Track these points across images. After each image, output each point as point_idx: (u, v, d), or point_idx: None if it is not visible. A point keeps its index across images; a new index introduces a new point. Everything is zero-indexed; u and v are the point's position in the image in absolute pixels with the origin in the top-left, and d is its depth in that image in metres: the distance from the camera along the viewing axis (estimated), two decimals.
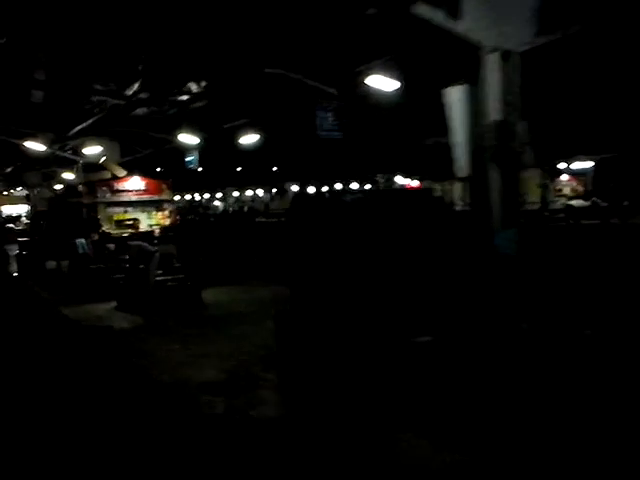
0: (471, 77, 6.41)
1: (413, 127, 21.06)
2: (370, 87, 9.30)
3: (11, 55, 11.36)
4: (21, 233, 19.89)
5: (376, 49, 9.00)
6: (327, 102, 10.76)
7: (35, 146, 14.34)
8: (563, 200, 27.11)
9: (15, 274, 16.24)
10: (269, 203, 38.90)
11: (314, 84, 10.38)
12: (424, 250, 6.72)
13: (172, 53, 10.89)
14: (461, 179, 6.92)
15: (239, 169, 35.56)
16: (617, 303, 7.37)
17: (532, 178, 25.39)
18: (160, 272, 11.95)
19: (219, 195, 41.88)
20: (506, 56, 6.32)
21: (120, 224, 14.10)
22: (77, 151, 16.09)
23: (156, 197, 14.46)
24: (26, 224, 22.59)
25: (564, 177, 29.25)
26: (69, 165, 18.19)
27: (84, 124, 14.21)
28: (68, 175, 18.02)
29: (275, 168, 35.70)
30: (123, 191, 14.15)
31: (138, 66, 11.55)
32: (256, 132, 12.90)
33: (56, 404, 6.31)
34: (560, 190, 29.69)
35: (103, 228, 13.86)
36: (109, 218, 14.04)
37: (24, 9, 10.22)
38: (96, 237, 13.65)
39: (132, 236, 13.45)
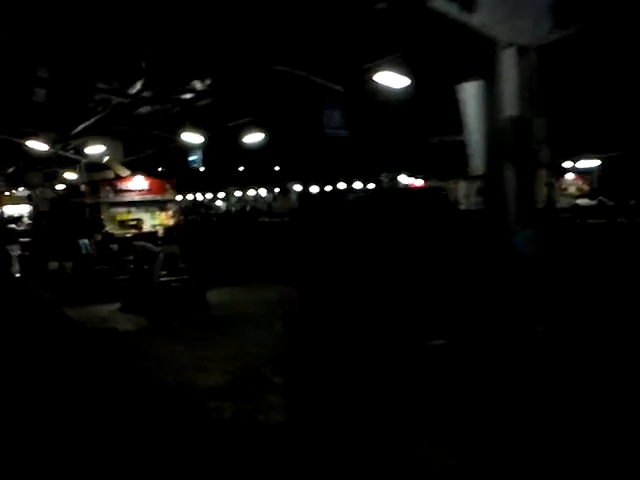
0: (486, 73, 6.25)
1: (418, 126, 20.88)
2: (377, 85, 9.13)
3: (13, 53, 11.22)
4: (23, 233, 19.79)
5: (384, 46, 8.83)
6: (334, 100, 10.58)
7: (37, 145, 14.20)
8: (568, 199, 26.89)
9: (17, 275, 16.12)
10: (272, 203, 38.74)
11: (321, 81, 10.21)
12: (437, 251, 6.56)
13: (176, 50, 10.73)
14: (472, 177, 6.77)
15: (241, 169, 35.41)
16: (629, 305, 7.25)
17: (537, 177, 25.06)
18: (164, 273, 11.82)
19: (221, 195, 41.74)
20: (522, 51, 6.16)
21: (123, 224, 13.95)
22: (79, 151, 15.94)
23: (160, 197, 14.31)
24: (28, 224, 22.46)
25: (569, 176, 29.05)
26: (71, 165, 18.07)
27: (87, 123, 14.06)
28: (70, 175, 17.89)
29: (277, 168, 35.56)
30: (126, 191, 13.99)
31: (141, 63, 11.39)
32: (260, 131, 12.72)
33: (60, 407, 6.18)
34: (565, 189, 29.48)
35: (106, 228, 13.71)
36: (112, 218, 13.89)
37: (26, 6, 10.09)
38: (99, 237, 13.50)
39: (136, 236, 13.30)
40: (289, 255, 10.48)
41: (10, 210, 25.24)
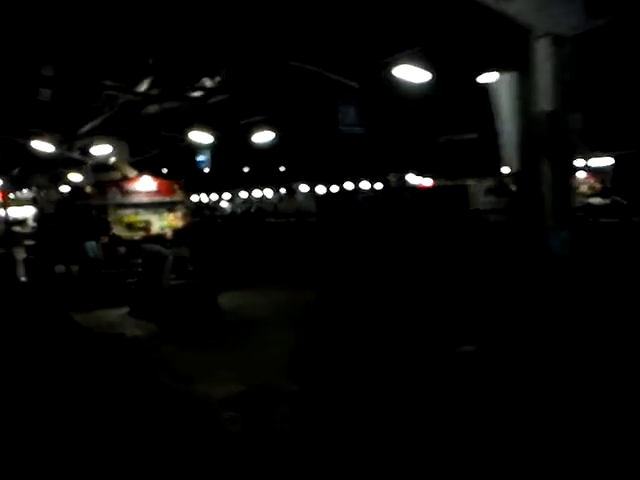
0: (519, 64, 5.92)
1: (428, 124, 20.62)
2: (394, 80, 8.81)
3: (18, 51, 10.96)
4: (28, 236, 19.54)
5: (403, 39, 8.51)
6: (349, 96, 10.27)
7: (42, 146, 13.92)
8: (580, 198, 26.51)
9: (23, 279, 15.87)
10: (277, 204, 38.47)
11: (336, 78, 9.89)
12: (466, 253, 6.24)
13: (185, 46, 10.44)
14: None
15: (247, 170, 35.17)
16: None
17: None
18: (173, 276, 11.53)
19: (227, 196, 41.49)
20: (558, 41, 5.82)
21: (131, 226, 13.64)
22: (85, 151, 15.64)
23: (168, 198, 14.00)
24: (33, 227, 22.21)
25: (581, 174, 28.62)
26: (76, 166, 17.80)
27: (94, 122, 13.78)
28: (76, 176, 17.60)
29: (283, 168, 35.30)
30: (134, 192, 13.68)
31: (148, 60, 11.10)
32: (271, 129, 12.41)
33: (67, 415, 5.95)
34: (577, 188, 29.07)
35: (113, 231, 13.41)
36: (119, 220, 13.58)
37: (31, 2, 9.84)
38: (106, 240, 13.21)
39: (144, 239, 13.01)
40: (307, 259, 10.26)
41: (15, 212, 24.98)
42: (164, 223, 13.95)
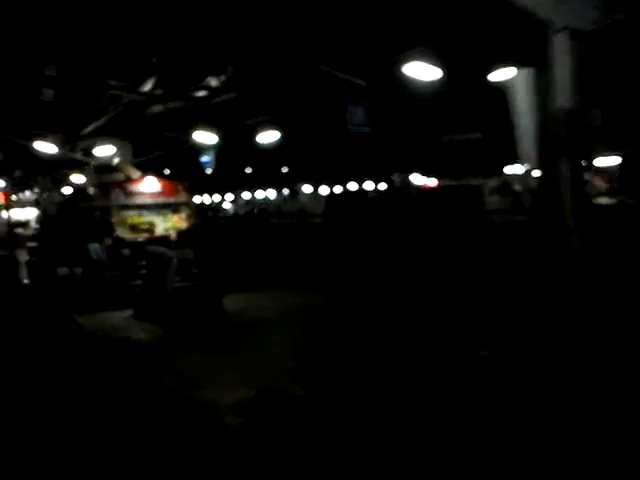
0: (535, 60, 5.75)
1: (433, 124, 20.43)
2: (402, 79, 8.64)
3: (21, 50, 10.82)
4: (30, 238, 19.41)
5: (412, 36, 8.34)
6: (357, 95, 10.10)
7: (45, 147, 13.75)
8: None
9: (25, 281, 15.72)
10: (281, 205, 38.32)
11: (344, 76, 9.71)
12: (481, 255, 6.06)
13: (189, 45, 10.28)
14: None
15: (250, 170, 35.01)
16: None
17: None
18: (178, 278, 11.36)
19: (230, 197, 41.32)
20: (576, 36, 5.65)
21: (135, 228, 13.50)
22: (88, 152, 15.48)
23: (172, 199, 13.87)
24: (35, 229, 22.08)
25: (586, 174, 28.29)
26: (79, 167, 17.64)
27: (97, 123, 13.63)
28: (79, 177, 17.45)
29: (286, 169, 35.13)
30: (138, 193, 13.54)
31: (152, 59, 10.94)
32: (276, 129, 12.23)
33: (72, 421, 5.80)
34: None
35: (117, 232, 13.27)
36: (123, 222, 13.45)
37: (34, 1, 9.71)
38: (110, 242, 13.05)
39: (148, 241, 12.87)
40: (313, 260, 10.14)
41: (17, 214, 24.88)
42: (168, 225, 13.81)
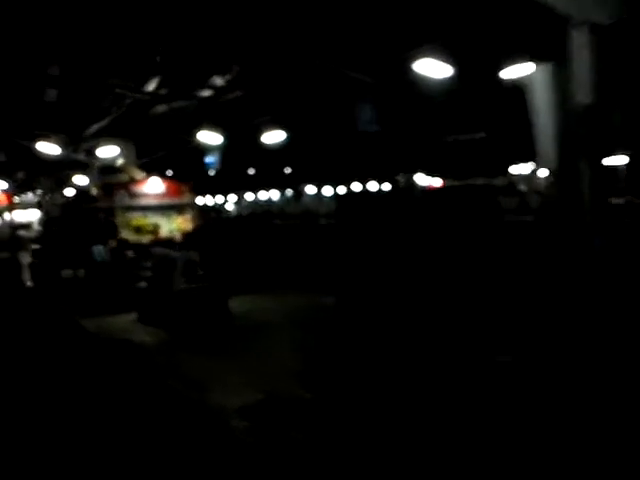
0: (553, 55, 5.58)
1: (438, 124, 20.26)
2: (410, 78, 8.48)
3: (24, 50, 10.69)
4: (33, 240, 19.28)
5: (422, 33, 8.17)
6: (366, 94, 9.94)
7: (48, 148, 13.60)
8: None
9: (29, 283, 15.58)
10: (284, 206, 38.17)
11: (353, 74, 9.55)
12: (499, 257, 5.88)
13: (193, 43, 10.12)
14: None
15: (253, 171, 34.86)
16: None
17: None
18: (183, 280, 11.20)
19: (232, 198, 41.19)
20: (595, 30, 5.49)
21: (139, 230, 13.34)
22: (92, 153, 15.33)
23: (177, 200, 13.71)
24: (38, 231, 21.94)
25: None
26: (82, 169, 17.51)
27: (101, 123, 13.48)
28: (81, 179, 17.31)
29: (289, 170, 34.98)
30: (142, 194, 13.38)
31: (156, 58, 10.79)
32: (282, 129, 12.06)
33: (76, 425, 5.74)
34: None
35: (121, 234, 13.11)
36: (127, 223, 13.29)
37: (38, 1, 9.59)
38: (114, 244, 12.89)
39: (154, 242, 12.71)
40: (320, 262, 9.98)
41: (19, 216, 24.77)
42: (173, 226, 13.66)
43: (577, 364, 5.25)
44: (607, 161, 22.22)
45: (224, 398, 6.41)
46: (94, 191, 14.95)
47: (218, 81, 11.08)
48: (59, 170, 19.71)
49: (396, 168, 27.82)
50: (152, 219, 13.51)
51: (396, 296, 6.26)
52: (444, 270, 5.96)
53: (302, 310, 10.99)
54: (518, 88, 9.69)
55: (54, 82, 12.03)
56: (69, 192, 21.33)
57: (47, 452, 5.23)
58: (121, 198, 13.25)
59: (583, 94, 5.44)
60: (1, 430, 5.69)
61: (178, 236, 13.25)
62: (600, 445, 4.43)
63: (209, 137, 12.33)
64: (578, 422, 4.73)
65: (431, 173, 29.31)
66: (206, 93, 11.60)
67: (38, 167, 19.74)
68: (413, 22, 8.10)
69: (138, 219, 13.42)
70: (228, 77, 10.93)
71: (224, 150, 16.79)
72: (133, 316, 11.12)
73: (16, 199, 24.56)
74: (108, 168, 15.32)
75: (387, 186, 30.02)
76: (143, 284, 11.37)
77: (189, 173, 19.68)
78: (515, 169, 28.94)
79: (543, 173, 26.73)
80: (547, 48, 5.59)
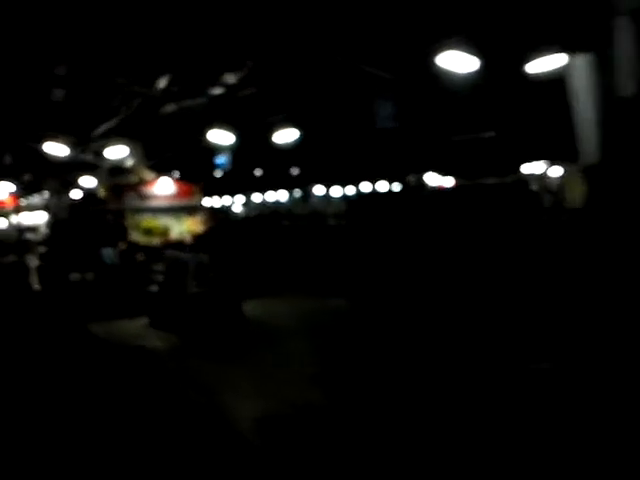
0: (594, 45, 5.25)
1: (450, 122, 19.93)
2: (436, 71, 8.15)
3: (31, 50, 10.45)
4: (41, 243, 19.06)
5: (446, 26, 7.85)
6: (386, 91, 9.64)
7: (55, 149, 13.35)
8: None
9: (36, 287, 15.35)
10: (292, 207, 37.90)
11: (371, 70, 9.24)
12: (537, 259, 5.56)
13: (205, 38, 9.84)
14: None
15: (261, 172, 34.58)
16: None
17: (571, 174, 24.02)
18: (194, 284, 10.93)
19: (240, 199, 40.92)
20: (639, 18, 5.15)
21: (149, 232, 13.07)
22: (100, 154, 15.07)
23: (187, 202, 13.43)
24: (45, 234, 21.72)
25: None
26: (89, 170, 17.27)
27: (109, 123, 13.23)
28: (90, 180, 17.07)
29: (297, 171, 34.69)
30: (152, 196, 13.12)
31: (165, 55, 10.52)
32: (294, 128, 11.76)
33: (85, 431, 5.59)
34: None
35: (131, 236, 12.85)
36: (137, 225, 13.02)
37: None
38: (124, 247, 12.63)
39: (165, 245, 12.45)
40: (332, 264, 9.75)
41: (26, 218, 24.59)
42: (183, 228, 13.38)
43: (624, 372, 4.92)
44: None
45: (239, 406, 6.22)
46: (102, 193, 14.69)
47: (230, 78, 10.80)
48: (67, 172, 19.48)
49: (408, 167, 27.48)
50: (162, 221, 13.24)
51: (421, 299, 5.94)
52: (476, 271, 5.64)
53: (315, 314, 10.85)
54: (536, 84, 9.36)
55: (61, 81, 11.80)
56: (77, 194, 21.12)
57: (54, 460, 5.06)
58: (131, 200, 13.00)
59: (628, 85, 5.10)
60: (10, 438, 5.50)
61: (188, 238, 12.97)
62: None
63: (220, 136, 12.05)
64: (623, 430, 4.41)
65: (442, 172, 28.94)
66: (217, 91, 11.31)
67: (45, 169, 19.52)
68: (435, 15, 7.78)
69: (148, 221, 13.15)
70: (240, 74, 10.64)
71: (235, 150, 16.49)
72: (144, 321, 10.94)
73: (23, 201, 24.37)
74: (117, 169, 15.06)
75: (397, 186, 29.69)
76: (154, 288, 11.11)
77: (197, 174, 19.43)
78: (527, 168, 28.55)
79: (555, 172, 26.41)
80: (587, 38, 5.26)
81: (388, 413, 5.37)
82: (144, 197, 13.09)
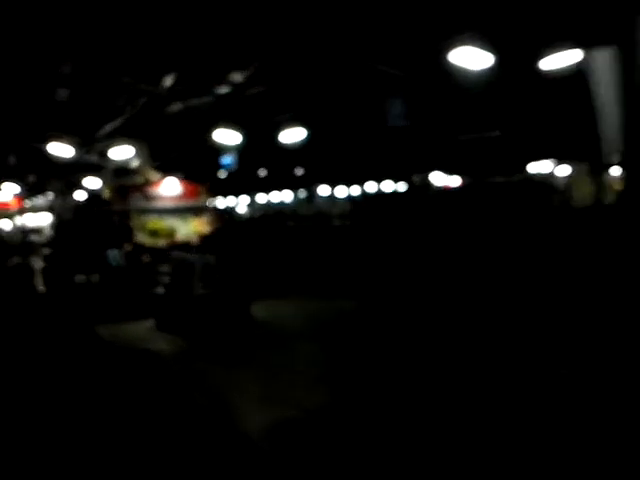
0: (618, 40, 5.08)
1: (456, 122, 19.76)
2: (448, 68, 7.99)
3: (34, 48, 10.33)
4: (45, 245, 18.97)
5: (459, 22, 7.68)
6: (396, 89, 9.49)
7: (59, 150, 13.22)
8: (615, 196, 25.31)
9: (41, 289, 15.25)
10: (297, 208, 37.77)
11: (383, 68, 9.08)
12: (554, 262, 5.39)
13: (211, 36, 9.70)
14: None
15: (265, 172, 34.47)
16: None
17: (580, 173, 23.82)
18: (201, 285, 10.79)
19: (245, 200, 40.81)
20: None
21: (155, 233, 12.93)
22: (105, 155, 14.94)
23: (193, 202, 13.30)
24: (50, 235, 21.64)
25: (614, 171, 27.43)
26: (94, 171, 17.16)
27: (114, 123, 13.10)
28: (95, 181, 16.96)
29: (301, 171, 34.55)
30: (158, 197, 12.98)
31: (170, 53, 10.39)
32: (302, 126, 11.59)
33: (91, 436, 5.49)
34: (611, 186, 27.84)
35: (136, 238, 12.71)
36: (143, 227, 12.89)
37: None
38: (129, 248, 12.50)
39: (170, 246, 12.31)
40: (339, 265, 9.62)
41: (30, 220, 24.53)
42: (189, 229, 13.23)
43: None
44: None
45: (246, 409, 6.13)
46: (107, 194, 14.56)
47: (237, 77, 10.65)
48: (71, 172, 19.39)
49: (414, 167, 27.30)
50: (168, 222, 13.10)
51: (427, 300, 5.78)
52: (485, 272, 5.47)
53: (322, 315, 10.73)
54: (545, 82, 9.17)
55: (66, 81, 11.68)
56: (81, 195, 21.02)
57: (59, 461, 4.99)
58: (136, 201, 12.86)
59: None
60: (15, 439, 5.42)
61: (195, 239, 12.83)
62: None
63: (227, 136, 11.89)
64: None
65: (448, 172, 28.76)
66: (224, 90, 11.17)
67: (50, 170, 19.43)
68: (448, 10, 7.61)
69: (154, 222, 13.02)
70: (247, 72, 10.50)
71: (241, 150, 16.35)
72: (150, 323, 10.81)
73: (27, 203, 24.31)
74: (122, 170, 14.94)
75: (402, 186, 29.50)
76: (160, 290, 10.97)
77: (201, 174, 19.29)
78: (533, 167, 28.34)
79: (562, 172, 26.20)
80: (611, 32, 5.09)
81: (396, 416, 5.24)
82: (150, 198, 12.95)
